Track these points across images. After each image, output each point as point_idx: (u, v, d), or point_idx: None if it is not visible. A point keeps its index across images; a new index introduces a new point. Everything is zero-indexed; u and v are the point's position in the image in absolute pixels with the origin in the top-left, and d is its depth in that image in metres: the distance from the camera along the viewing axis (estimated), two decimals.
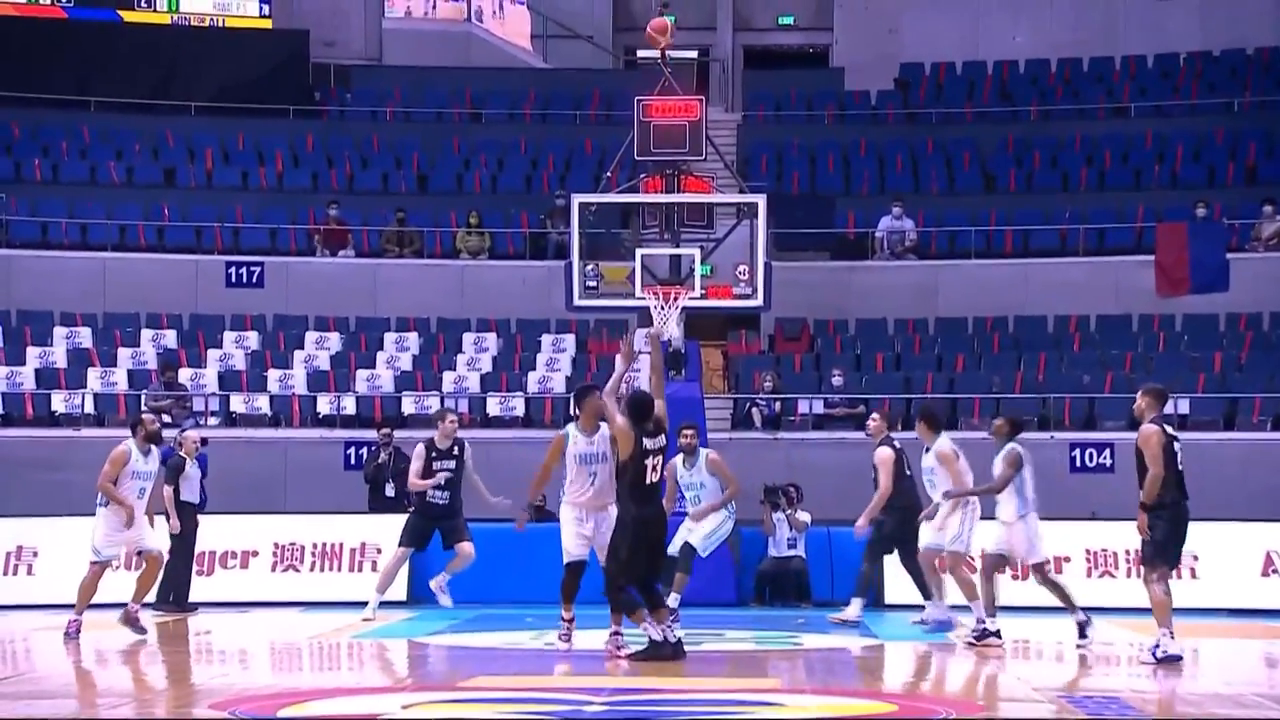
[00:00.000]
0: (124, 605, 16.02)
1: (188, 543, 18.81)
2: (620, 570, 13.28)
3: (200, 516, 19.24)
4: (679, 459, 17.07)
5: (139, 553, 16.20)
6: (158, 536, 16.77)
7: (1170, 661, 13.21)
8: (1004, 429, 15.38)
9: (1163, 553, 13.45)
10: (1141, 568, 13.87)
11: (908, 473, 16.81)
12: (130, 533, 15.86)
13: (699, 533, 17.24)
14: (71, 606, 15.82)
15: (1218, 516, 19.06)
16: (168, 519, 18.27)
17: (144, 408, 23.40)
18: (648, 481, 13.29)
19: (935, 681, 13.57)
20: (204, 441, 20.49)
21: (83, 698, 12.07)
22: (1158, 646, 13.38)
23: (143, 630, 15.88)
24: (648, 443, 13.30)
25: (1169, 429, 13.59)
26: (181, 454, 18.94)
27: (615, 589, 13.29)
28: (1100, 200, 30.58)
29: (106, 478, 15.79)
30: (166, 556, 17.05)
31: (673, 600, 16.95)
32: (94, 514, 15.84)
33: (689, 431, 17.25)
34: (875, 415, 17.46)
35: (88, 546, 15.90)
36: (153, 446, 16.10)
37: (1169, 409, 14.09)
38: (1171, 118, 32.78)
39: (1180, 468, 13.50)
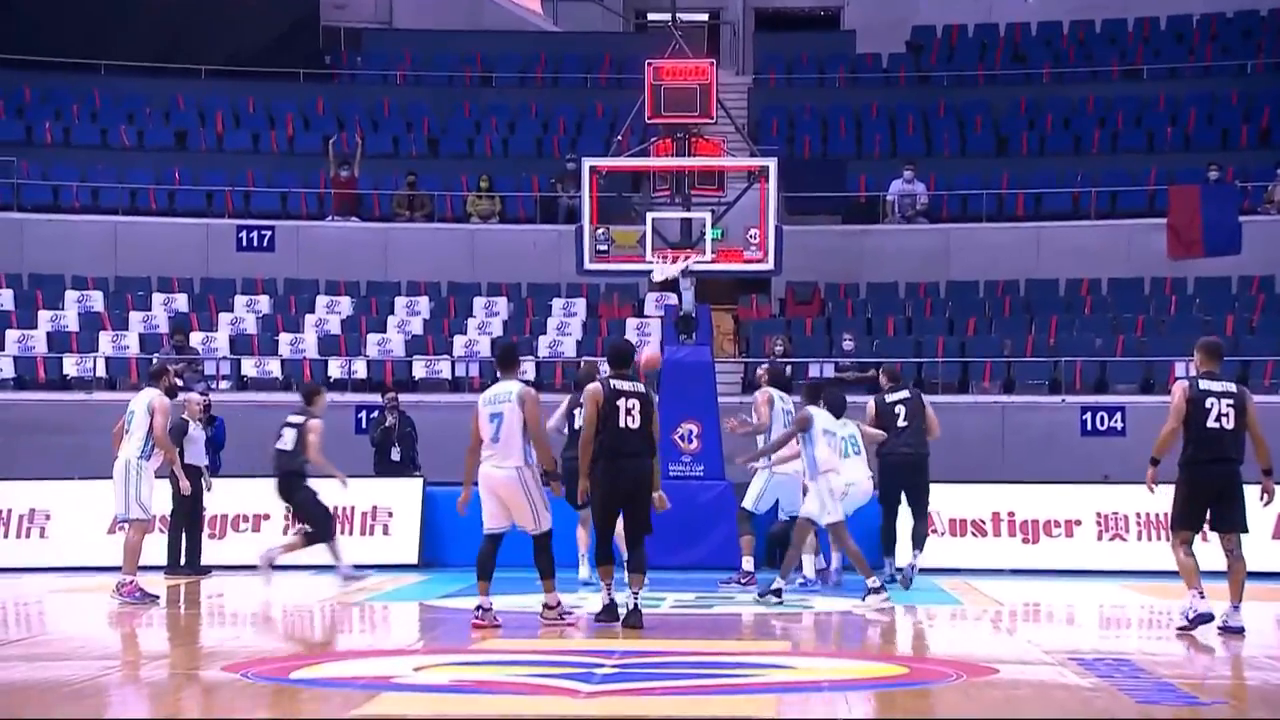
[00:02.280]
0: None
1: (196, 506, 18.74)
2: (598, 524, 13.35)
3: (212, 480, 19.21)
4: None
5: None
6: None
7: (1203, 621, 13.02)
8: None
9: (1180, 516, 13.32)
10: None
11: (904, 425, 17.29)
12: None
13: (750, 494, 17.36)
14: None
15: None
16: (174, 482, 18.06)
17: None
18: (621, 424, 13.01)
19: (946, 643, 13.59)
20: (212, 414, 20.44)
21: (96, 660, 12.10)
22: (1190, 608, 13.14)
23: (154, 596, 15.83)
24: (618, 384, 13.09)
25: (1208, 385, 13.07)
26: (184, 416, 18.82)
27: (597, 542, 13.39)
28: (1113, 163, 30.51)
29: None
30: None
31: (747, 564, 17.02)
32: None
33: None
34: (884, 370, 17.79)
35: (133, 504, 15.53)
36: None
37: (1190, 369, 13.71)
38: (1185, 80, 32.66)
39: (1215, 425, 12.98)
